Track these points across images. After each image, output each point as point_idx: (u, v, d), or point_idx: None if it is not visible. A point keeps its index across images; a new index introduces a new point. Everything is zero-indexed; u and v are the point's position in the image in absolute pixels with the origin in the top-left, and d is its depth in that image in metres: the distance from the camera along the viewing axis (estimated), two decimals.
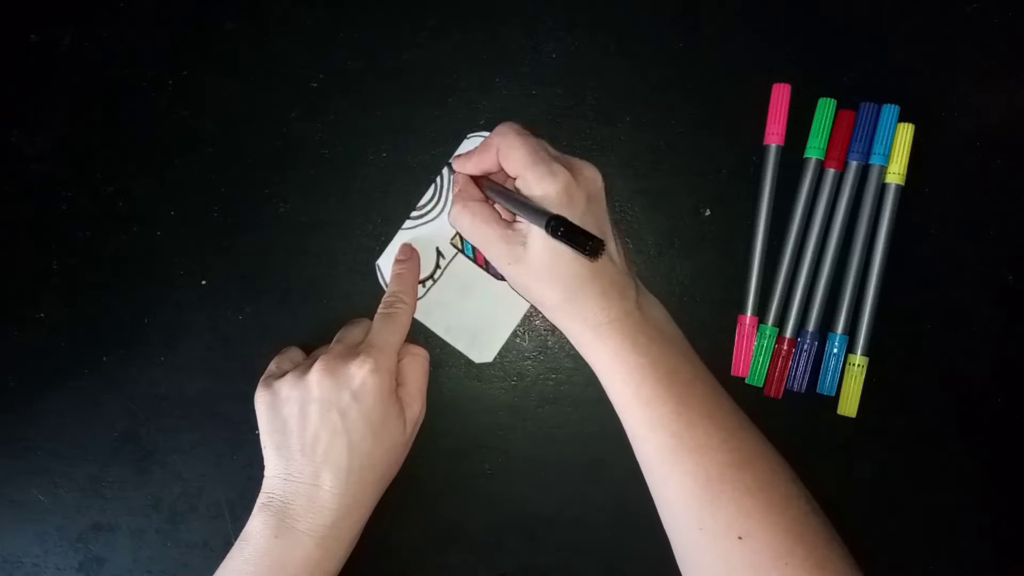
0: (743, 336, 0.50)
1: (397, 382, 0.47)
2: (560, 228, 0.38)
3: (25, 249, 0.52)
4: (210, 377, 0.51)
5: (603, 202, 0.44)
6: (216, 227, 0.52)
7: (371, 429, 0.44)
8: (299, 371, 0.46)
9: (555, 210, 0.40)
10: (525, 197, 0.43)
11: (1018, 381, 0.50)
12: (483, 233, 0.44)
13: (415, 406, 0.47)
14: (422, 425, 0.50)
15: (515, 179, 0.44)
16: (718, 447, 0.41)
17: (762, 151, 0.50)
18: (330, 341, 0.51)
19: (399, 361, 0.48)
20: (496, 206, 0.46)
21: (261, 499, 0.45)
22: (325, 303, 0.51)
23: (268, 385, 0.47)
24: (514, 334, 0.51)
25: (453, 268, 0.51)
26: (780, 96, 0.49)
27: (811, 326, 0.49)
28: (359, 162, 0.52)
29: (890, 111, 0.48)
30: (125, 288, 0.52)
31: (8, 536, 0.52)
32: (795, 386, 0.49)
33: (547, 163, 0.42)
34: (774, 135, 0.49)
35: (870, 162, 0.49)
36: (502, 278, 0.51)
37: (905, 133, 0.48)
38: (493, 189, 0.46)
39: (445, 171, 0.51)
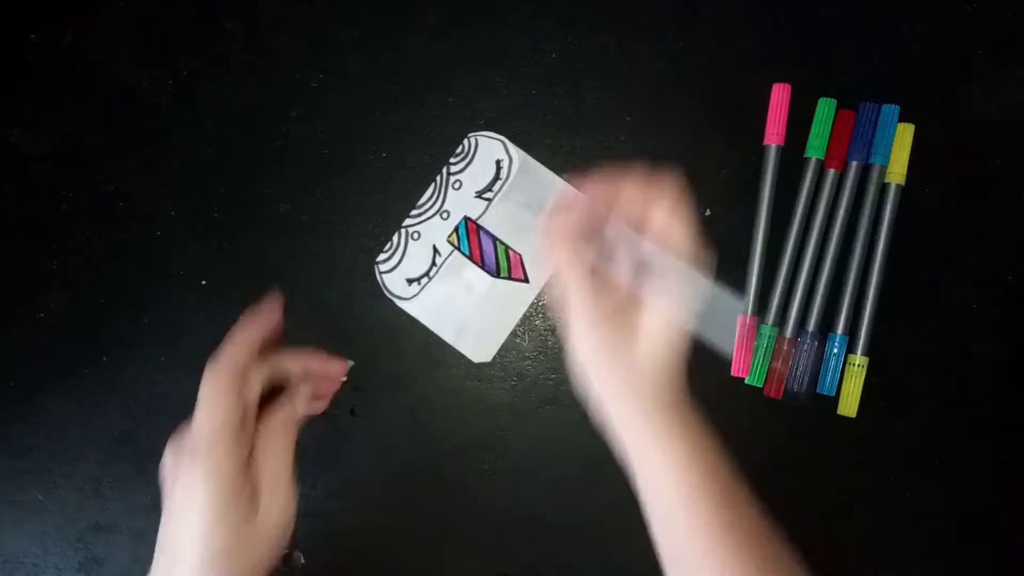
0: (743, 336, 0.50)
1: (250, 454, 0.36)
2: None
3: (25, 249, 0.52)
4: None
5: None
6: (216, 227, 0.52)
7: (208, 532, 0.34)
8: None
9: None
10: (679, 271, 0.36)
11: (1018, 381, 0.50)
12: (587, 281, 0.36)
13: (276, 497, 0.36)
14: (424, 424, 0.50)
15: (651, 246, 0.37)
16: (760, 544, 0.38)
17: (762, 151, 0.50)
18: (330, 343, 0.51)
19: (260, 424, 0.37)
20: None
21: None
22: (325, 303, 0.51)
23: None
24: (514, 334, 0.51)
25: (449, 266, 0.51)
26: (780, 96, 0.49)
27: (811, 326, 0.49)
28: (359, 162, 0.52)
29: (890, 111, 0.48)
30: (125, 288, 0.52)
31: (8, 536, 0.52)
32: (795, 386, 0.49)
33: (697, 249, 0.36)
34: (774, 135, 0.49)
35: (871, 162, 0.49)
36: (500, 277, 0.51)
37: (905, 133, 0.48)
38: (625, 238, 0.37)
39: (444, 170, 0.51)
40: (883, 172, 0.49)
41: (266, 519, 0.36)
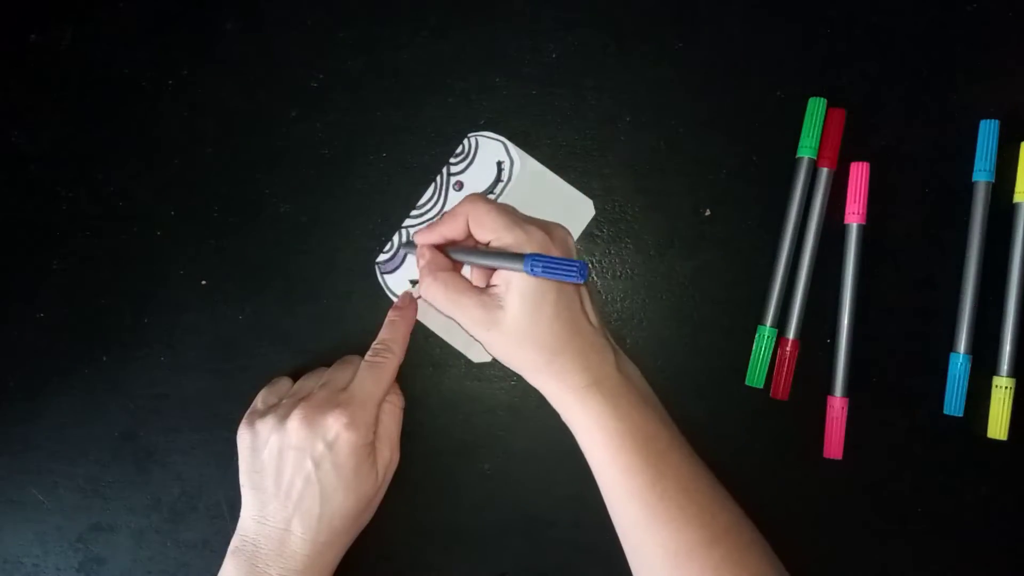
0: (834, 419, 0.49)
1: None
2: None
3: (25, 249, 0.52)
4: (210, 377, 0.51)
5: None
6: (216, 227, 0.52)
7: (343, 480, 0.44)
8: (280, 413, 0.46)
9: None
10: (497, 248, 0.42)
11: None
12: (457, 302, 0.43)
13: (386, 453, 0.47)
14: (423, 425, 0.50)
15: (488, 243, 0.43)
16: (690, 522, 0.42)
17: (758, 154, 0.50)
18: (329, 343, 0.51)
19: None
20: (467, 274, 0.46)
21: (235, 542, 0.46)
22: (325, 303, 0.51)
23: (251, 423, 0.47)
24: None
25: None
26: (860, 174, 0.49)
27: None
28: (359, 162, 0.52)
29: (989, 126, 0.48)
30: (125, 288, 0.52)
31: (8, 536, 0.52)
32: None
33: (521, 225, 0.42)
34: (854, 215, 0.49)
35: (974, 179, 0.49)
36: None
37: None
38: (461, 251, 0.45)
39: (444, 170, 0.51)
40: (989, 188, 0.48)
41: (380, 469, 0.46)
